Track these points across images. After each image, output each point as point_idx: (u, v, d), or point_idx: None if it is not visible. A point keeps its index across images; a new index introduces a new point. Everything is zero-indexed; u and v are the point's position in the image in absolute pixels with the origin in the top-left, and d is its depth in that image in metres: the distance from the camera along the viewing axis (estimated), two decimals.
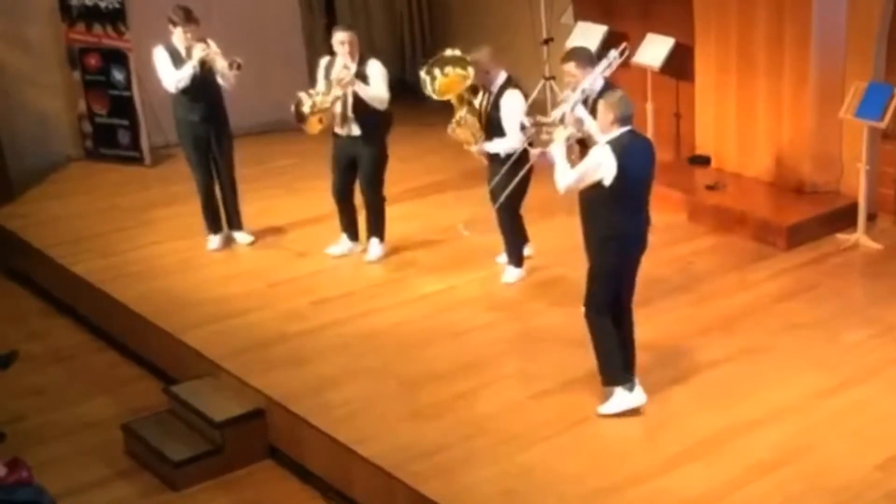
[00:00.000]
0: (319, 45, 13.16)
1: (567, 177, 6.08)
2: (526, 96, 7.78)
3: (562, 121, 6.62)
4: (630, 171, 5.97)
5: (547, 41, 11.25)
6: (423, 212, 9.03)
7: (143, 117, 11.11)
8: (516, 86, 7.64)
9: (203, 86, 8.48)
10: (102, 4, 10.88)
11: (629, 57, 8.83)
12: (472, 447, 6.02)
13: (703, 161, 9.79)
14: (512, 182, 7.52)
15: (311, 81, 12.32)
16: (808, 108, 9.00)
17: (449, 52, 7.82)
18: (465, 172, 10.01)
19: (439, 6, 13.52)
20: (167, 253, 8.97)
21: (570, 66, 6.99)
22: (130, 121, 11.13)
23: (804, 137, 9.10)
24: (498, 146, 7.62)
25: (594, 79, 6.96)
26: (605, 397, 6.26)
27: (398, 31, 13.55)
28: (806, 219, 8.74)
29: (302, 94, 8.12)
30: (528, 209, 8.03)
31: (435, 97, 7.81)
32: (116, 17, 10.88)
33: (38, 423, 7.27)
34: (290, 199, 9.68)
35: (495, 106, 7.59)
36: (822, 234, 8.65)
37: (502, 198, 7.58)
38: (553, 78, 11.19)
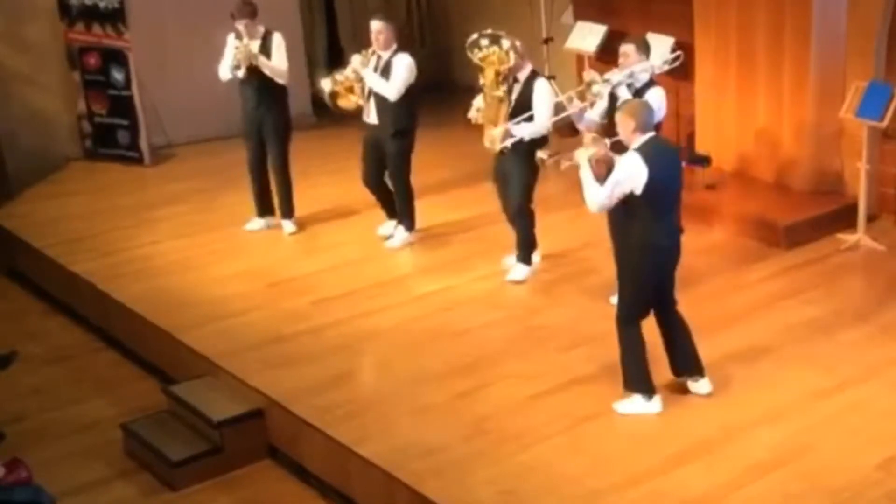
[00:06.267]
0: (319, 45, 13.21)
1: (599, 195, 5.97)
2: None
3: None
4: (660, 176, 5.88)
5: (547, 41, 11.26)
6: (423, 211, 9.01)
7: (142, 117, 11.11)
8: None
9: (253, 75, 8.72)
10: (101, 4, 10.89)
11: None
12: (472, 447, 6.01)
13: (704, 161, 9.78)
14: (527, 174, 7.68)
15: (312, 80, 12.47)
16: (808, 107, 9.00)
17: (506, 39, 7.78)
18: (466, 171, 10.02)
19: (438, 6, 13.52)
20: (166, 252, 8.98)
21: (630, 48, 7.14)
22: (130, 121, 11.13)
23: (804, 137, 9.10)
24: (524, 130, 7.68)
25: (645, 68, 7.09)
26: (622, 395, 6.27)
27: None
28: (806, 219, 8.74)
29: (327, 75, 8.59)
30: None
31: (475, 60, 7.80)
32: (115, 17, 10.88)
33: (38, 423, 7.27)
34: None
35: (525, 92, 7.67)
36: (822, 234, 8.64)
37: (517, 194, 7.72)
38: (553, 77, 11.18)
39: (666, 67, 7.31)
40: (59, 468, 6.61)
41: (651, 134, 5.98)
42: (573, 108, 7.39)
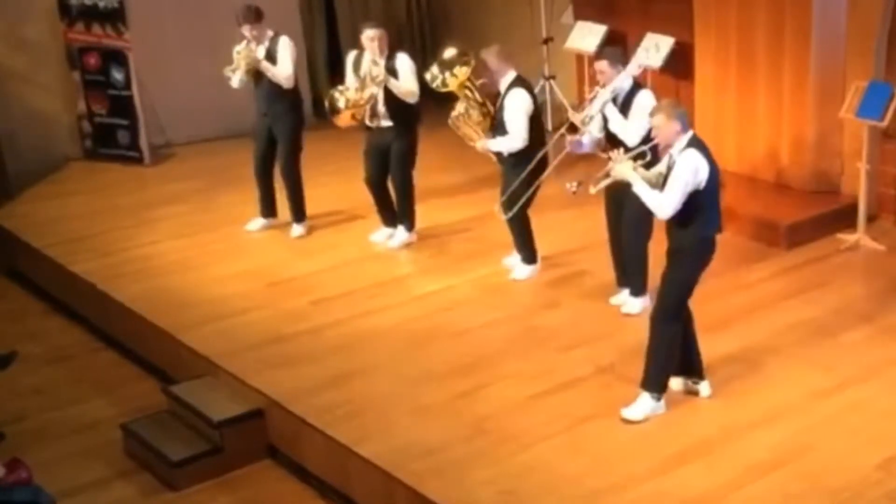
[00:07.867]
0: (319, 45, 13.20)
1: (669, 200, 5.93)
2: (534, 95, 7.81)
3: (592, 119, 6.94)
4: (715, 167, 5.97)
5: (547, 41, 11.26)
6: (423, 211, 9.01)
7: (142, 117, 11.11)
8: (524, 85, 7.70)
9: (262, 81, 8.75)
10: (101, 4, 10.88)
11: (629, 56, 8.86)
12: (472, 447, 6.01)
13: None
14: (524, 189, 7.67)
15: (311, 80, 12.48)
16: (809, 107, 9.00)
17: (447, 55, 7.89)
18: (465, 172, 10.02)
19: (438, 6, 13.51)
20: (166, 252, 8.98)
21: (602, 65, 7.14)
22: (130, 120, 11.12)
23: (804, 137, 9.10)
24: (500, 144, 7.70)
25: (624, 78, 7.11)
26: (625, 401, 6.22)
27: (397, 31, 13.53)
28: (806, 219, 8.74)
29: (335, 92, 8.45)
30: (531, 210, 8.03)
31: (441, 90, 7.96)
32: (115, 17, 10.88)
33: (38, 423, 7.27)
34: None
35: (500, 105, 7.66)
36: (822, 234, 8.64)
37: (515, 209, 7.72)
38: (553, 77, 11.20)
39: (639, 70, 7.32)
40: (59, 468, 6.61)
41: (691, 131, 6.02)
42: (568, 146, 7.37)
